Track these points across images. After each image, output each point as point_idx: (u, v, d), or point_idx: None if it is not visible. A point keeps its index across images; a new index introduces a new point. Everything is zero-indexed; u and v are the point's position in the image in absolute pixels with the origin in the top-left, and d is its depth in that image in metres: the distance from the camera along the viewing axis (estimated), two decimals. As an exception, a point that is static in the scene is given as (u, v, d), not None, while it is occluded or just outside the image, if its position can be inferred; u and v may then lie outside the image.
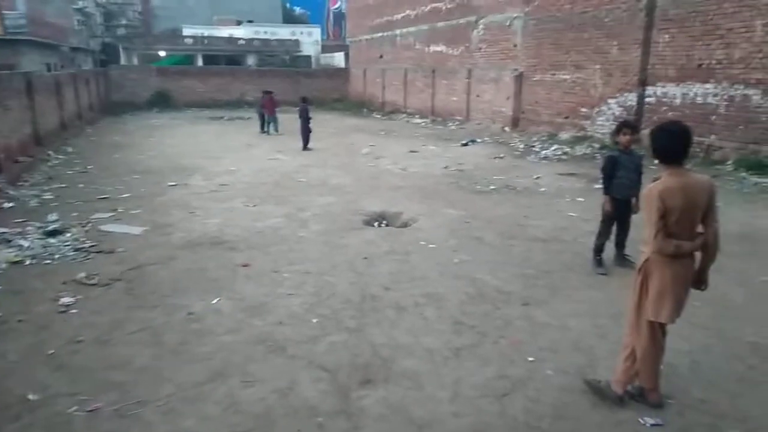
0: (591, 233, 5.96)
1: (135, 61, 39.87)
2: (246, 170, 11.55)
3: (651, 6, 12.63)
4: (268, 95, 18.48)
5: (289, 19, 55.40)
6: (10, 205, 8.42)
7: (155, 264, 5.81)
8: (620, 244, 5.70)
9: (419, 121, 22.47)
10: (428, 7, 22.87)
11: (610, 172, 5.43)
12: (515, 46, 17.53)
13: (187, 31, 44.74)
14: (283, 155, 13.67)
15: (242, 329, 4.32)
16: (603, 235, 5.65)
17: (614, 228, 5.65)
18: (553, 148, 13.90)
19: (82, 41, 37.13)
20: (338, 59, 38.82)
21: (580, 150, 13.51)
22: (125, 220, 7.51)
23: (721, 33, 11.10)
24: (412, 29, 24.52)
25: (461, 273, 5.52)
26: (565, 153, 13.41)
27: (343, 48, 37.68)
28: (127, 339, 4.16)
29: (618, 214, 5.55)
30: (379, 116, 25.17)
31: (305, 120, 14.76)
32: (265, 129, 18.50)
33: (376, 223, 7.70)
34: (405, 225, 7.56)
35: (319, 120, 17.83)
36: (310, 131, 14.88)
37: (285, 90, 26.16)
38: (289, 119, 17.98)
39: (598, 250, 5.66)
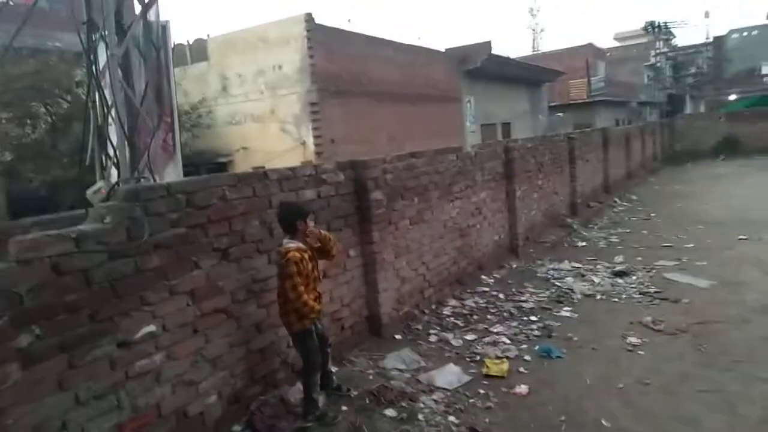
0: None
1: (701, 108, 38.53)
2: None
3: None
4: None
5: None
6: (583, 244, 9.64)
7: (725, 323, 5.30)
8: None
9: None
10: None
11: None
12: None
13: (765, 70, 39.67)
14: None
15: None
16: None
17: None
18: None
19: (650, 95, 38.90)
20: None
21: None
22: (690, 271, 7.23)
23: None
24: None
25: None
26: None
27: None
28: (696, 396, 3.95)
29: None
30: None
31: None
32: None
33: None
34: None
35: None
36: None
37: None
38: None
39: None
